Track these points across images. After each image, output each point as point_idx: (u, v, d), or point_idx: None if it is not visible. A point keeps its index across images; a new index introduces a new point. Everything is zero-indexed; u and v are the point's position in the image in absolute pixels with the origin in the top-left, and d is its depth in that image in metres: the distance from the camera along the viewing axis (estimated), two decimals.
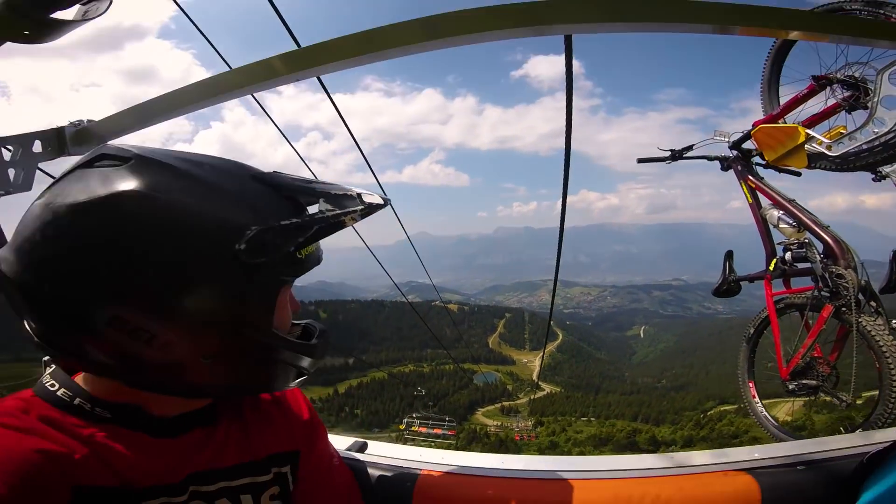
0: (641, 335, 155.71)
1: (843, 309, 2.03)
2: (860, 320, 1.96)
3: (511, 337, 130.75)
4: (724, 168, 2.66)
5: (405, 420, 33.36)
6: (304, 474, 0.88)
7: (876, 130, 1.57)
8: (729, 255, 2.82)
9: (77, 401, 0.66)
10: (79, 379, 0.69)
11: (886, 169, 2.05)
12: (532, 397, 80.00)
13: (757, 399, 2.54)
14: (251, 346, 0.67)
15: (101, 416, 0.66)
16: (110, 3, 0.98)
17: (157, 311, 0.60)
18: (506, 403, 79.96)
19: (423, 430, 30.34)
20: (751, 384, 2.60)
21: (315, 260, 0.72)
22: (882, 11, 1.79)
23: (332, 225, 0.67)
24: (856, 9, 1.83)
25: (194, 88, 1.27)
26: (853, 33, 1.14)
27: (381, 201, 0.70)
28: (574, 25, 1.00)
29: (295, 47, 1.34)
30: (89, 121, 1.42)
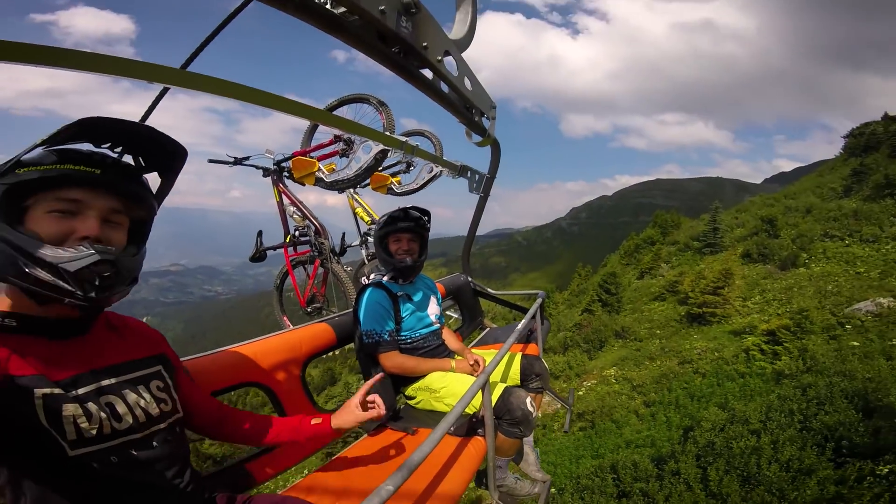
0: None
1: (325, 261, 3.73)
2: (333, 266, 3.71)
3: None
4: (265, 175, 3.72)
5: None
6: (178, 378, 1.13)
7: (348, 171, 2.79)
8: (259, 234, 3.93)
9: None
10: None
11: (350, 190, 3.88)
12: None
13: (290, 325, 3.91)
14: None
15: (8, 326, 0.86)
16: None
17: None
18: None
19: None
20: (284, 317, 3.96)
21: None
22: (381, 110, 3.03)
23: None
24: (371, 103, 3.06)
25: None
26: (351, 129, 1.99)
27: None
28: None
29: None
30: None
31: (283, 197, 3.78)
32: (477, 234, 3.77)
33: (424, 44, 1.45)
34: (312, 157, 3.27)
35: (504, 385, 2.03)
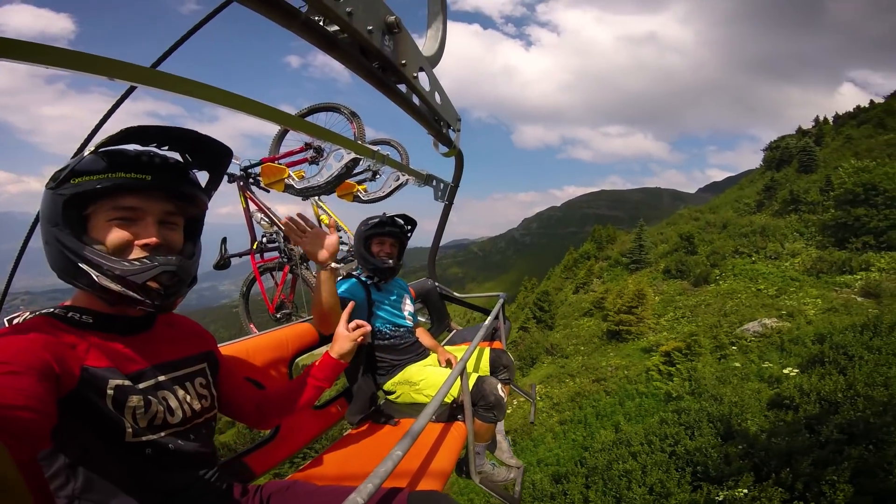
0: None
1: (294, 267, 3.77)
2: (302, 272, 3.75)
3: None
4: (230, 181, 3.68)
5: None
6: (221, 371, 1.20)
7: (318, 179, 2.85)
8: (224, 241, 3.80)
9: (69, 314, 0.93)
10: (77, 301, 0.95)
11: (315, 198, 3.95)
12: None
13: (257, 332, 3.89)
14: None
15: (85, 322, 0.93)
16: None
17: None
18: None
19: None
20: (252, 325, 3.94)
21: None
22: (353, 120, 3.10)
23: None
24: (342, 112, 3.11)
25: None
26: (325, 137, 2.22)
27: None
28: None
29: None
30: None
31: (250, 203, 3.78)
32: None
33: (403, 61, 1.61)
34: (282, 164, 3.32)
35: (477, 374, 2.20)
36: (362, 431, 2.14)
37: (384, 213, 2.56)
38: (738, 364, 15.55)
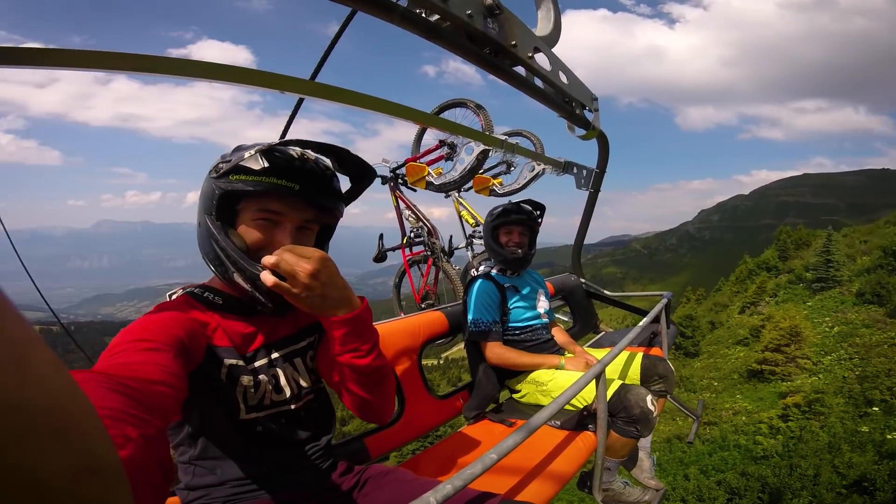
0: None
1: (436, 260, 3.98)
2: (443, 265, 3.94)
3: None
4: (383, 183, 4.10)
5: None
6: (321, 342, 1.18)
7: (453, 174, 3.06)
8: (381, 236, 4.23)
9: (205, 293, 1.03)
10: (212, 282, 1.06)
11: (455, 194, 4.13)
12: None
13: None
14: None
15: (216, 303, 1.02)
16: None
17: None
18: None
19: None
20: (402, 314, 4.31)
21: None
22: (479, 112, 3.20)
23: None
24: (469, 107, 3.29)
25: None
26: (454, 130, 2.22)
27: None
28: None
29: None
30: None
31: (400, 202, 4.13)
32: (588, 242, 3.61)
33: (513, 42, 1.53)
34: (422, 163, 3.51)
35: (621, 382, 1.94)
36: (476, 428, 2.10)
37: (509, 201, 2.47)
38: (865, 429, 13.26)
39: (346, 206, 1.13)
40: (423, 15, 1.27)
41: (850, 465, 9.88)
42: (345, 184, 1.13)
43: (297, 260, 0.89)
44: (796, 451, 12.80)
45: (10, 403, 0.18)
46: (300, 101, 2.30)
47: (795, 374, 20.38)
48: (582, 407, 1.93)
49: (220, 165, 0.97)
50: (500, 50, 1.54)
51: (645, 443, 2.40)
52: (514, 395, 2.34)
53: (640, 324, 2.24)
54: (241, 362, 1.00)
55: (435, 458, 1.81)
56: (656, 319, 2.48)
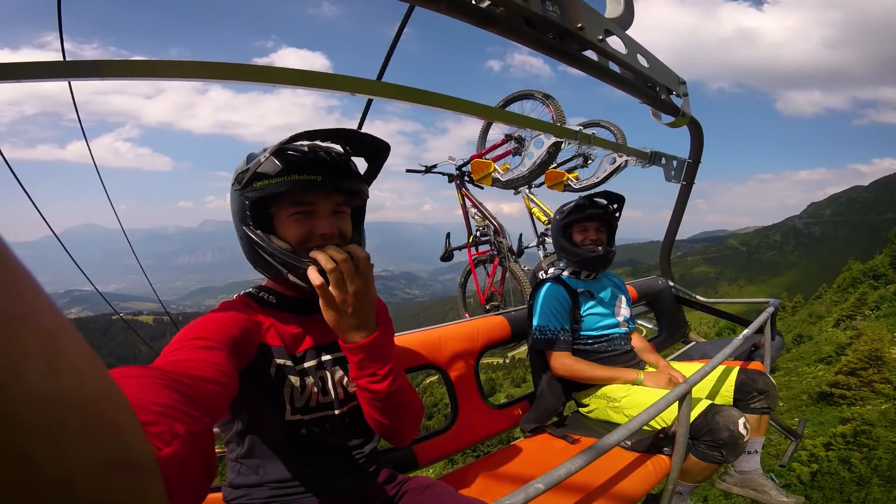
0: None
1: (503, 260, 3.86)
2: (510, 265, 3.80)
3: None
4: (450, 181, 4.08)
5: None
6: None
7: (521, 169, 2.73)
8: (448, 235, 4.22)
9: (261, 293, 1.07)
10: (268, 282, 1.09)
11: (525, 190, 3.98)
12: None
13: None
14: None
15: (270, 302, 1.06)
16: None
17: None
18: None
19: None
20: (466, 314, 4.27)
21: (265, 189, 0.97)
22: (547, 102, 3.00)
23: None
24: (536, 98, 3.13)
25: None
26: (520, 123, 2.01)
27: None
28: None
29: None
30: None
31: (466, 200, 4.07)
32: (677, 238, 3.25)
33: (579, 25, 1.39)
34: (488, 159, 3.41)
35: (710, 402, 1.70)
36: (533, 443, 1.95)
37: (580, 196, 2.26)
38: None
39: (369, 185, 1.13)
40: (473, 2, 1.17)
41: (864, 501, 9.52)
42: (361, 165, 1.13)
43: (353, 275, 0.93)
44: (816, 482, 12.43)
45: (42, 395, 0.18)
46: (369, 102, 2.31)
47: (869, 398, 17.54)
48: (659, 429, 1.72)
49: (241, 176, 0.99)
50: (565, 34, 1.41)
51: (755, 462, 2.11)
52: (581, 409, 2.15)
53: (741, 335, 1.94)
54: (290, 362, 1.01)
55: (483, 471, 1.70)
56: (760, 330, 2.15)
